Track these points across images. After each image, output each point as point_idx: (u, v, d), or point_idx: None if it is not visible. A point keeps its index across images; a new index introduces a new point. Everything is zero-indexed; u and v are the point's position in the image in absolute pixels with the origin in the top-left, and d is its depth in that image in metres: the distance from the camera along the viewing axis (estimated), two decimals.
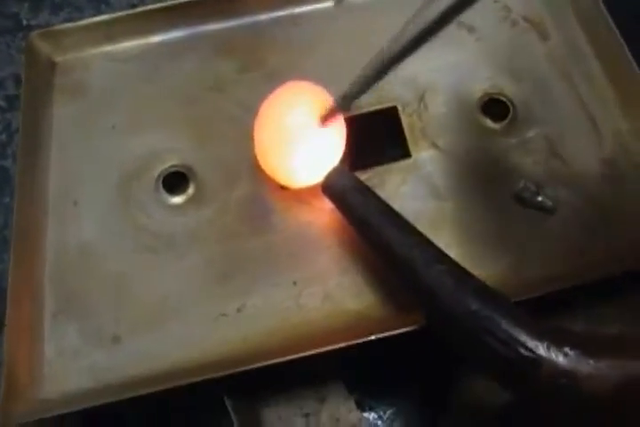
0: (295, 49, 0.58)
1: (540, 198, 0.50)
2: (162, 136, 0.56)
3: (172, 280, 0.50)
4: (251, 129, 0.50)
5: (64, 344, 0.48)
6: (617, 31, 0.54)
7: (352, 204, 0.45)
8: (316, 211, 0.52)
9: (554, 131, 0.54)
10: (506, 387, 0.36)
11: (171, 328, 0.48)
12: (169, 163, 0.54)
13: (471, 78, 0.57)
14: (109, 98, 0.58)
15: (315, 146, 0.46)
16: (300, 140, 0.46)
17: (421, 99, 0.56)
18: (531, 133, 0.54)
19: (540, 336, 0.34)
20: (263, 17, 0.61)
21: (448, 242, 0.48)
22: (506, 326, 0.34)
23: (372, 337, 0.43)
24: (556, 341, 0.33)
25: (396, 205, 0.44)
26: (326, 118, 0.45)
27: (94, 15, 0.59)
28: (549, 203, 0.50)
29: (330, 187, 0.47)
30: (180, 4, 0.59)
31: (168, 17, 0.59)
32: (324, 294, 0.49)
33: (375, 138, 0.55)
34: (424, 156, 0.54)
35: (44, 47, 0.59)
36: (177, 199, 0.53)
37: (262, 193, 0.53)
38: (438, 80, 0.57)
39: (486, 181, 0.52)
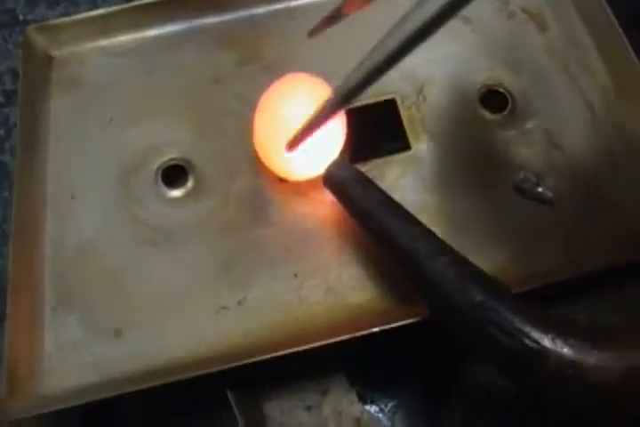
0: (293, 41, 0.58)
1: (540, 189, 0.50)
2: (160, 129, 0.56)
3: (172, 273, 0.50)
4: (250, 122, 0.50)
5: (64, 338, 0.48)
6: (616, 21, 0.54)
7: (353, 195, 0.45)
8: (317, 203, 0.51)
9: (553, 122, 0.54)
10: (510, 378, 0.36)
11: (172, 322, 0.48)
12: (168, 156, 0.54)
13: (470, 70, 0.57)
14: (107, 92, 0.58)
15: (314, 138, 0.46)
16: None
17: (420, 91, 0.56)
18: (530, 124, 0.54)
19: (544, 328, 0.34)
20: (260, 10, 0.61)
21: (448, 233, 0.48)
22: (510, 317, 0.34)
23: (375, 330, 0.43)
24: (561, 332, 0.33)
25: (396, 198, 0.44)
26: (292, 144, 0.43)
27: (90, 9, 0.59)
28: (549, 194, 0.50)
29: (331, 179, 0.46)
30: None
31: (165, 10, 0.59)
32: (326, 286, 0.49)
33: (374, 130, 0.55)
34: (423, 148, 0.54)
35: (40, 41, 0.58)
36: (176, 192, 0.53)
37: (262, 186, 0.53)
38: (437, 72, 0.57)
39: (486, 172, 0.52)
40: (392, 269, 0.44)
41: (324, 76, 0.49)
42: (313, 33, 0.46)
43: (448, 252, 0.40)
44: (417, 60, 0.57)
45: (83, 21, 0.59)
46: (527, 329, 0.34)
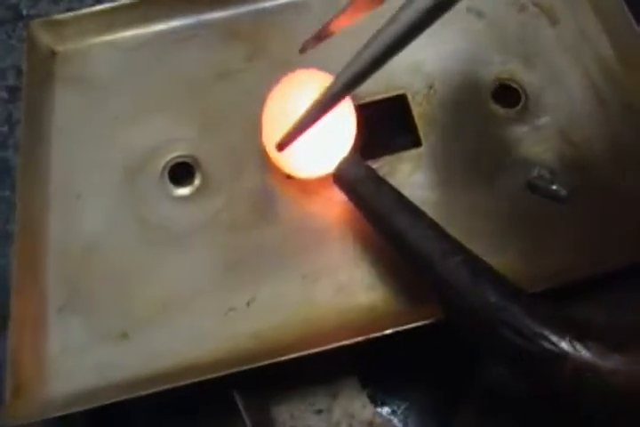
0: (300, 36, 0.57)
1: (554, 187, 0.49)
2: (166, 126, 0.55)
3: (180, 274, 0.49)
4: (258, 118, 0.49)
5: (69, 341, 0.48)
6: (629, 13, 0.53)
7: (364, 194, 0.44)
8: (326, 201, 0.51)
9: (566, 117, 0.53)
10: (526, 381, 0.36)
11: (179, 324, 0.48)
12: (174, 153, 0.54)
13: (481, 64, 0.56)
14: (112, 88, 0.57)
15: (323, 135, 0.45)
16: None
17: (431, 86, 0.55)
18: (543, 120, 0.53)
19: (561, 329, 0.33)
20: (268, 3, 0.60)
21: (460, 231, 0.47)
22: (526, 319, 0.34)
23: (386, 332, 0.42)
24: (579, 334, 0.33)
25: (407, 195, 0.44)
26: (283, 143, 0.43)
27: (94, 4, 0.59)
28: (563, 191, 0.49)
29: (341, 177, 0.46)
30: None
31: (171, 5, 0.58)
32: (336, 287, 0.48)
33: (384, 126, 0.55)
34: (435, 144, 0.53)
35: (44, 37, 0.58)
36: (183, 191, 0.52)
37: (270, 183, 0.52)
38: (448, 67, 0.56)
39: (498, 169, 0.51)
40: (404, 269, 0.43)
41: (334, 71, 0.48)
42: (303, 49, 0.47)
43: (461, 251, 0.39)
44: (427, 55, 0.56)
45: (87, 16, 0.58)
46: (544, 331, 0.33)
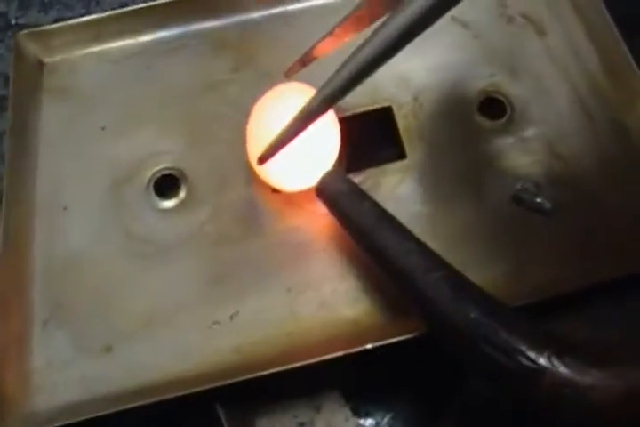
0: (289, 47, 0.57)
1: (538, 200, 0.50)
2: (153, 138, 0.55)
3: (164, 287, 0.49)
4: (244, 130, 0.49)
5: (54, 354, 0.47)
6: (615, 26, 0.53)
7: (346, 209, 0.44)
8: (311, 215, 0.51)
9: (552, 129, 0.53)
10: (506, 396, 0.36)
11: (163, 337, 0.47)
12: (160, 165, 0.54)
13: (467, 76, 0.56)
14: (99, 99, 0.57)
15: (305, 148, 0.45)
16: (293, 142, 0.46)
17: (416, 98, 0.55)
18: (529, 133, 0.53)
19: (540, 345, 0.33)
20: (256, 15, 0.60)
21: (444, 245, 0.47)
22: (505, 334, 0.34)
23: (369, 346, 0.43)
24: (558, 350, 0.33)
25: (392, 208, 0.44)
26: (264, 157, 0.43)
27: (84, 14, 0.59)
28: (548, 205, 0.49)
29: (324, 191, 0.46)
30: (172, 1, 0.58)
31: (159, 15, 0.59)
32: (320, 300, 0.48)
33: (369, 139, 0.54)
34: (420, 156, 0.53)
35: (32, 47, 0.58)
36: (168, 203, 0.52)
37: (255, 196, 0.52)
38: (433, 78, 0.56)
39: (484, 182, 0.51)
40: (387, 283, 0.43)
41: (317, 84, 0.48)
42: (288, 73, 0.47)
43: (443, 267, 0.39)
44: (413, 67, 0.56)
45: (75, 27, 0.58)
46: (522, 347, 0.33)
